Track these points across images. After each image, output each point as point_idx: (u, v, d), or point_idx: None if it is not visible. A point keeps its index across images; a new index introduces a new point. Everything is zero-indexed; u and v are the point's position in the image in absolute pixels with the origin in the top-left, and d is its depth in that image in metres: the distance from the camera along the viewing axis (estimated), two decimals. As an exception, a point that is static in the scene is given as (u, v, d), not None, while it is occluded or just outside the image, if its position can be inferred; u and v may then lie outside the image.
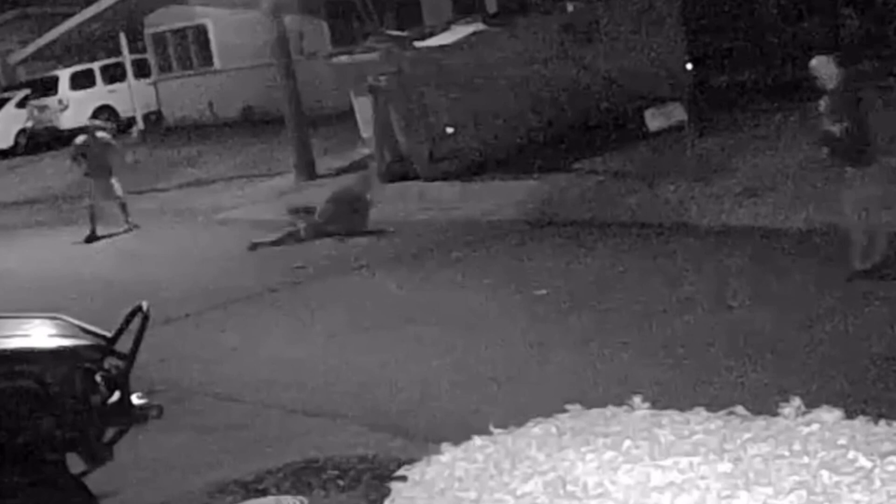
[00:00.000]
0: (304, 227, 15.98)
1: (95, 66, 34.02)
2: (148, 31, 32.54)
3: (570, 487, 6.44)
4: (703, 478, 6.31)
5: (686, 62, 20.03)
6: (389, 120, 18.31)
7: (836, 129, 10.40)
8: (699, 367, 8.62)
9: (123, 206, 18.96)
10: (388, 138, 18.48)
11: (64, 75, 33.55)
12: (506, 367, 9.34)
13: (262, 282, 13.75)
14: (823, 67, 10.56)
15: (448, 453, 7.27)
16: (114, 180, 18.90)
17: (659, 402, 7.54)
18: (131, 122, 33.14)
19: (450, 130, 17.93)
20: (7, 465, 6.12)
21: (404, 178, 18.14)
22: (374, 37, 20.34)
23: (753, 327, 9.40)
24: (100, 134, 19.37)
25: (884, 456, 6.26)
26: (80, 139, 19.31)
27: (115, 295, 12.27)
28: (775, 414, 7.05)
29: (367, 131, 19.43)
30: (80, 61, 34.46)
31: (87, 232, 18.65)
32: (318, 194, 17.47)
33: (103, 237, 18.57)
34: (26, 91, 34.66)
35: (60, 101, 33.18)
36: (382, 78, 18.22)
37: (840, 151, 10.49)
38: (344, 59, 20.23)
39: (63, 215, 22.32)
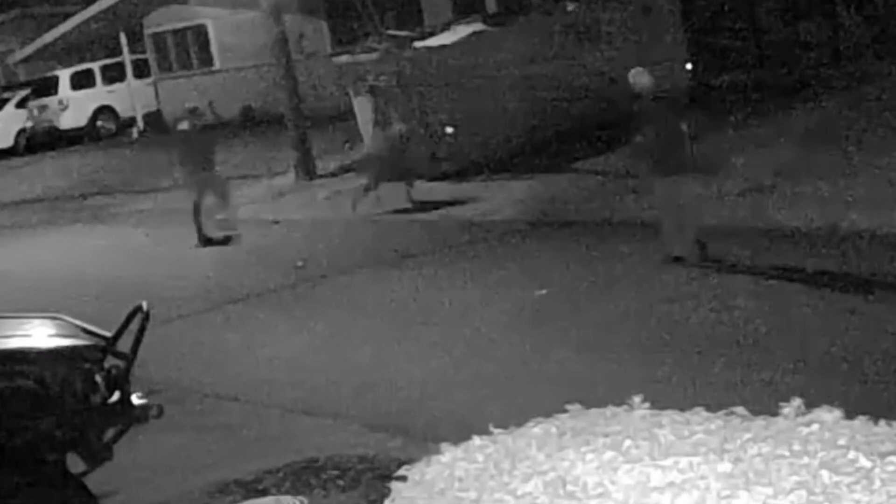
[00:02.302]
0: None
1: (95, 66, 34.01)
2: (148, 31, 32.54)
3: (570, 487, 6.44)
4: (703, 478, 6.30)
5: (686, 62, 20.03)
6: (389, 120, 18.31)
7: (640, 139, 11.64)
8: (700, 367, 8.62)
9: (226, 200, 16.76)
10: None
11: (64, 75, 33.53)
12: (506, 367, 9.34)
13: (262, 282, 13.74)
14: (638, 78, 11.72)
15: (448, 453, 7.27)
16: (217, 173, 17.18)
17: (659, 402, 7.54)
18: (131, 122, 33.14)
19: (450, 130, 17.93)
20: (7, 465, 6.12)
21: (401, 177, 18.12)
22: (374, 37, 20.35)
23: (748, 326, 9.42)
24: (202, 122, 17.53)
25: (884, 456, 6.26)
26: (182, 126, 17.37)
27: (115, 295, 12.26)
28: (775, 414, 7.05)
29: (367, 131, 19.43)
30: (80, 61, 34.46)
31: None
32: (318, 193, 17.50)
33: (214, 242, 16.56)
34: (26, 91, 34.66)
35: (60, 101, 33.16)
36: (382, 78, 18.22)
37: (649, 160, 11.67)
38: (344, 59, 20.23)
39: (64, 215, 22.32)
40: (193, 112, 17.41)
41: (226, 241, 16.50)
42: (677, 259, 11.48)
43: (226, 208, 16.76)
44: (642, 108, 11.69)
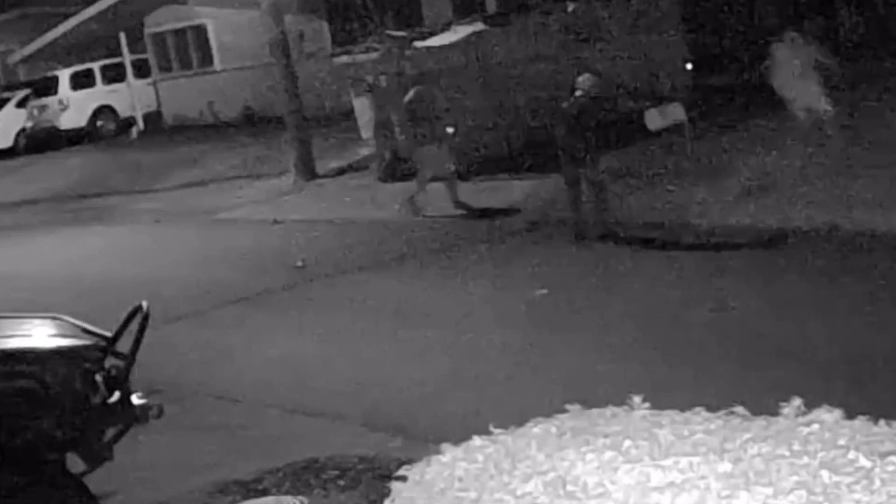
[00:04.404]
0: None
1: (95, 66, 33.98)
2: (148, 31, 32.53)
3: (570, 487, 6.43)
4: (703, 478, 6.30)
5: (686, 62, 20.03)
6: (389, 120, 18.31)
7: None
8: (700, 367, 8.63)
9: (453, 187, 16.00)
10: (387, 138, 18.48)
11: (64, 75, 33.50)
12: (506, 367, 9.34)
13: (262, 282, 13.75)
14: (583, 83, 13.81)
15: (448, 453, 7.26)
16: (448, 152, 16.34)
17: (659, 402, 7.54)
18: (131, 121, 33.14)
19: (450, 130, 17.94)
20: (7, 465, 6.12)
21: (404, 177, 18.13)
22: (374, 37, 20.35)
23: (753, 328, 9.42)
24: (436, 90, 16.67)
25: (884, 456, 6.25)
26: (412, 94, 16.44)
27: (115, 295, 12.25)
28: (775, 414, 7.05)
29: (367, 131, 19.43)
30: (80, 61, 34.45)
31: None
32: (318, 194, 17.48)
33: None
34: (26, 91, 34.64)
35: (60, 101, 33.14)
36: (382, 78, 18.21)
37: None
38: (344, 59, 20.24)
39: (64, 215, 22.32)
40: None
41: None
42: (580, 239, 13.23)
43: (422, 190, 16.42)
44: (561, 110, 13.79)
